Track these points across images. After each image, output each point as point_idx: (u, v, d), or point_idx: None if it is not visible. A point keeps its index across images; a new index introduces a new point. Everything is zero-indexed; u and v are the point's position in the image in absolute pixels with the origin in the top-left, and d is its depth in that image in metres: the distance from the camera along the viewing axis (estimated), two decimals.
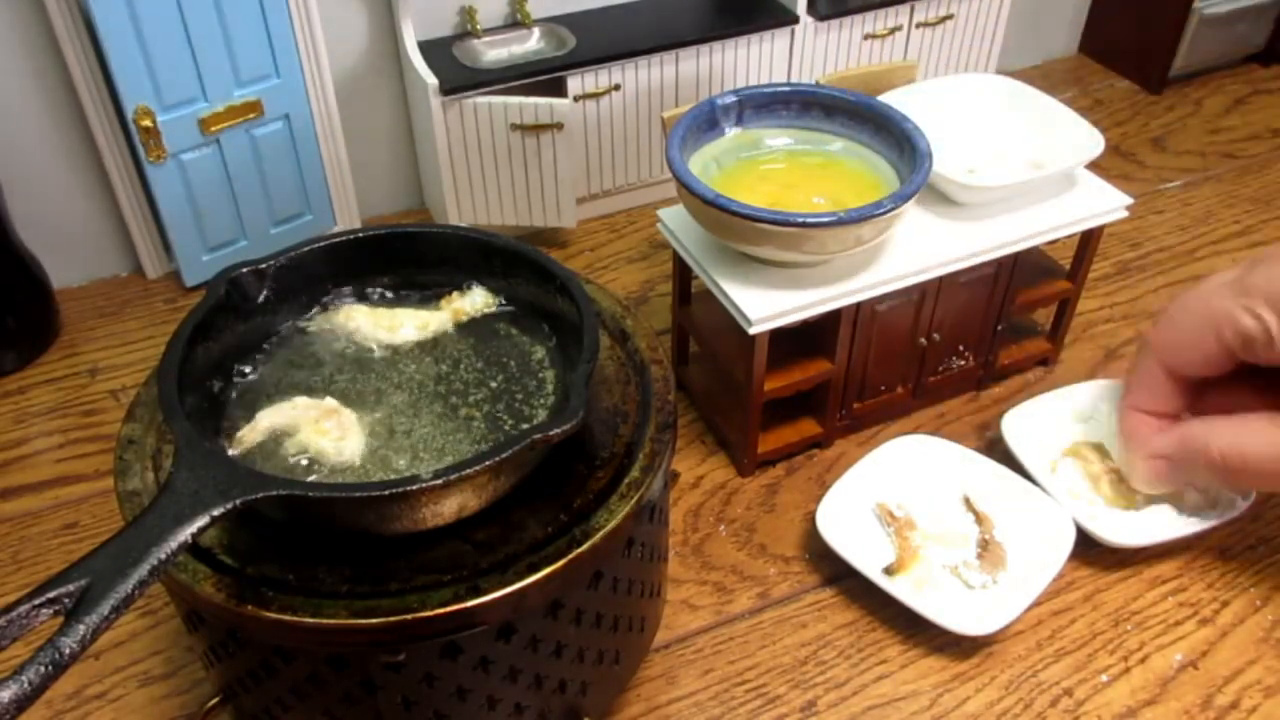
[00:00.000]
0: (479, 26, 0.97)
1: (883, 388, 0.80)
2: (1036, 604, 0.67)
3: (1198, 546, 0.73)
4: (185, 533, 0.40)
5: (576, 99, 0.96)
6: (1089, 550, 0.72)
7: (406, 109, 1.02)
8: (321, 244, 0.56)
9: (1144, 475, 0.65)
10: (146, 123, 0.86)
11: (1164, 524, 0.72)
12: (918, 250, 0.73)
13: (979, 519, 0.72)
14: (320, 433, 0.50)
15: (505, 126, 0.93)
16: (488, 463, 0.44)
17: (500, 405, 0.53)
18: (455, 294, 0.58)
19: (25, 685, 0.34)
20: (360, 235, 0.57)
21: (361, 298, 0.58)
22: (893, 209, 0.65)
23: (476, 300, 0.58)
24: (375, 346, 0.56)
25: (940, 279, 0.74)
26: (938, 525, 0.72)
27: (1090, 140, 0.77)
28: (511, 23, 1.00)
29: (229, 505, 0.41)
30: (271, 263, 0.55)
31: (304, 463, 0.49)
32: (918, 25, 1.08)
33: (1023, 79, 0.84)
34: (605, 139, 1.01)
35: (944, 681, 0.66)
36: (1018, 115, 0.82)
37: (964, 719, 0.64)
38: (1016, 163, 0.79)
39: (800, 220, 0.64)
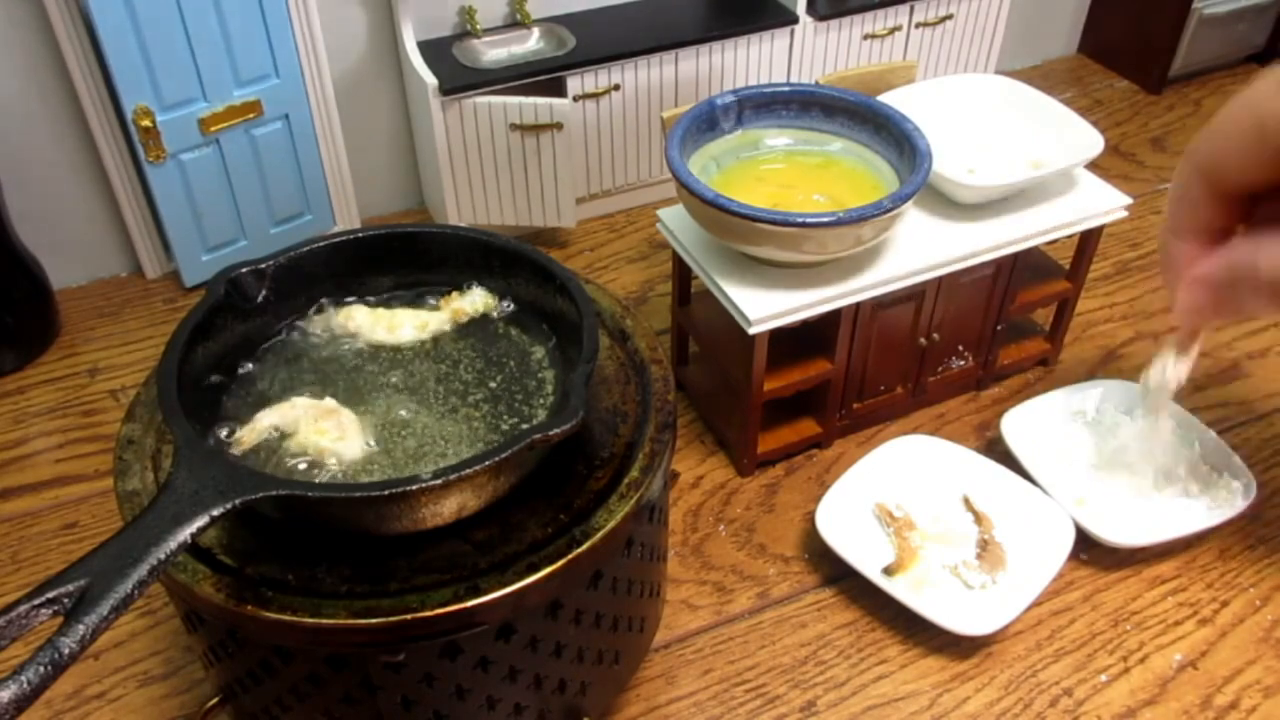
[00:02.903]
0: (479, 26, 0.97)
1: (882, 388, 0.80)
2: (1036, 604, 0.67)
3: (1198, 546, 0.73)
4: (185, 533, 0.40)
5: (576, 99, 0.96)
6: (1089, 550, 0.72)
7: (406, 109, 1.02)
8: (321, 244, 0.56)
9: (1184, 304, 0.54)
10: (146, 123, 0.86)
11: (1164, 524, 0.72)
12: (918, 250, 0.73)
13: (979, 519, 0.72)
14: (319, 433, 0.50)
15: (505, 126, 0.93)
16: (487, 463, 0.44)
17: (500, 405, 0.53)
18: (455, 294, 0.58)
19: (25, 685, 0.34)
20: (360, 235, 0.57)
21: (361, 298, 0.58)
22: (893, 209, 0.65)
23: (476, 300, 0.58)
24: (375, 346, 0.56)
25: (940, 279, 0.74)
26: (937, 525, 0.72)
27: (1090, 140, 0.77)
28: (511, 23, 1.00)
29: (228, 505, 0.41)
30: (271, 263, 0.54)
31: (303, 463, 0.49)
32: (917, 25, 1.08)
33: (1023, 79, 0.84)
34: (605, 139, 1.01)
35: (944, 681, 0.66)
36: (1018, 115, 0.82)
37: (964, 719, 0.64)
38: (1016, 163, 0.79)
39: (800, 220, 0.64)
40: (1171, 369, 0.67)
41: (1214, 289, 0.50)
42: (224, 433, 0.51)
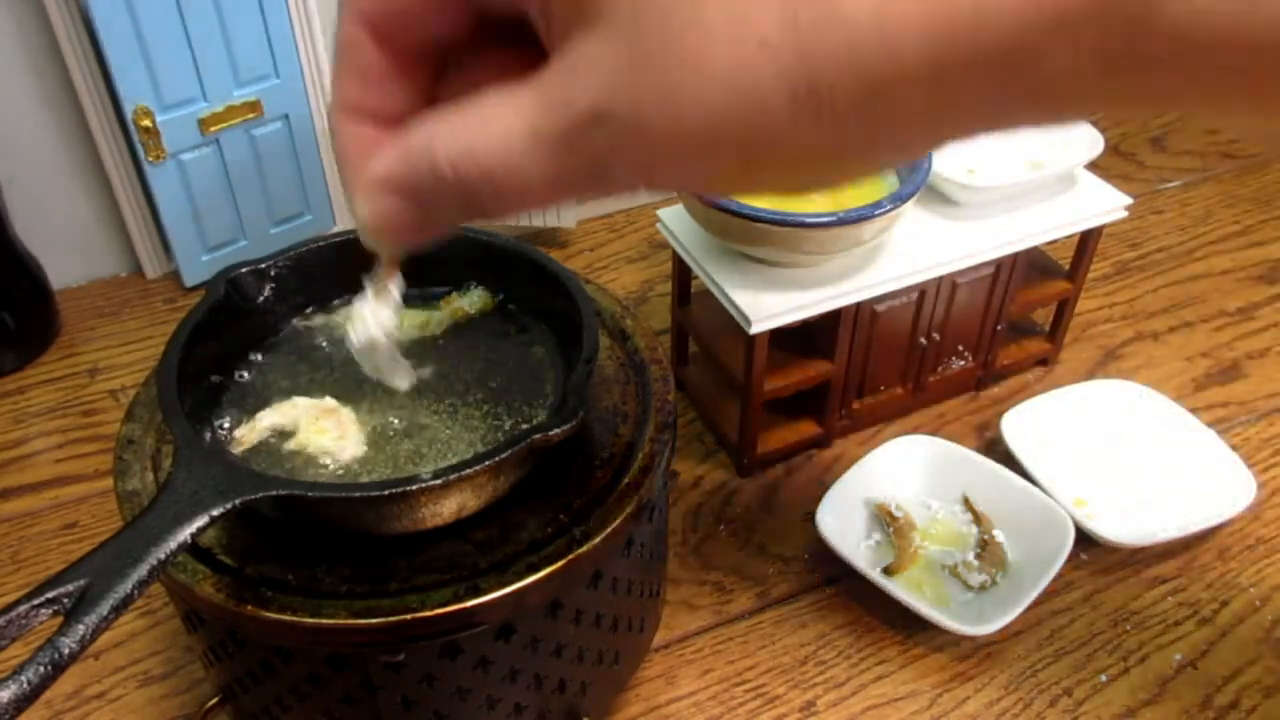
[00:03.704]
0: None
1: (882, 387, 0.80)
2: (1036, 604, 0.67)
3: (1197, 546, 0.73)
4: (184, 533, 0.40)
5: None
6: (1089, 550, 0.72)
7: None
8: (321, 244, 0.56)
9: (370, 217, 0.35)
10: (146, 123, 0.86)
11: (1164, 524, 0.72)
12: (918, 250, 0.73)
13: (978, 519, 0.72)
14: (319, 432, 0.50)
15: None
16: (487, 463, 0.44)
17: (500, 405, 0.53)
18: (455, 294, 0.58)
19: (24, 685, 0.34)
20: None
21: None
22: (892, 209, 0.65)
23: (476, 300, 0.58)
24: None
25: (940, 279, 0.74)
26: (937, 525, 0.72)
27: (1090, 140, 0.77)
28: None
29: (228, 505, 0.41)
30: (271, 263, 0.55)
31: (303, 463, 0.49)
32: None
33: None
34: None
35: (943, 681, 0.65)
36: None
37: (963, 719, 0.64)
38: (1016, 163, 0.79)
39: (800, 220, 0.64)
40: (373, 317, 0.48)
41: (401, 194, 0.33)
42: (224, 432, 0.51)
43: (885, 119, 0.26)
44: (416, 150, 0.32)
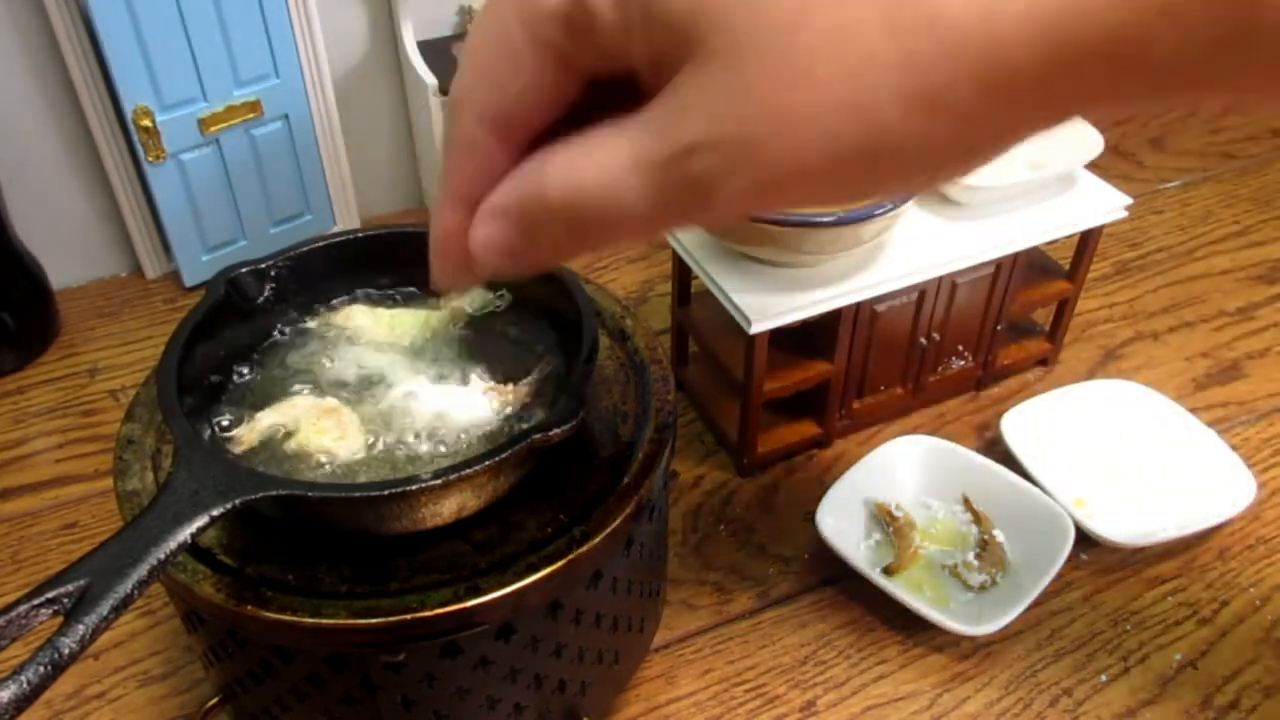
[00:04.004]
0: None
1: (882, 387, 0.80)
2: (1036, 604, 0.67)
3: (1197, 546, 0.73)
4: (184, 533, 0.40)
5: None
6: (1089, 550, 0.72)
7: (406, 109, 1.02)
8: (321, 244, 0.56)
9: (478, 239, 0.36)
10: (146, 123, 0.86)
11: (1164, 524, 0.72)
12: (918, 250, 0.73)
13: (978, 519, 0.72)
14: (320, 432, 0.50)
15: None
16: (487, 463, 0.44)
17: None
18: (455, 293, 0.58)
19: (24, 685, 0.34)
20: (360, 235, 0.57)
21: (361, 298, 0.58)
22: (893, 209, 0.65)
23: (476, 299, 0.58)
24: (375, 346, 0.56)
25: (940, 279, 0.74)
26: (937, 525, 0.72)
27: (1089, 140, 0.77)
28: None
29: (228, 505, 0.41)
30: (271, 262, 0.55)
31: (303, 463, 0.49)
32: None
33: None
34: None
35: (943, 681, 0.66)
36: None
37: (963, 719, 0.64)
38: (1016, 163, 0.79)
39: (801, 220, 0.64)
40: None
41: (510, 219, 0.36)
42: (224, 432, 0.51)
43: (998, 113, 0.27)
44: (527, 178, 0.34)
